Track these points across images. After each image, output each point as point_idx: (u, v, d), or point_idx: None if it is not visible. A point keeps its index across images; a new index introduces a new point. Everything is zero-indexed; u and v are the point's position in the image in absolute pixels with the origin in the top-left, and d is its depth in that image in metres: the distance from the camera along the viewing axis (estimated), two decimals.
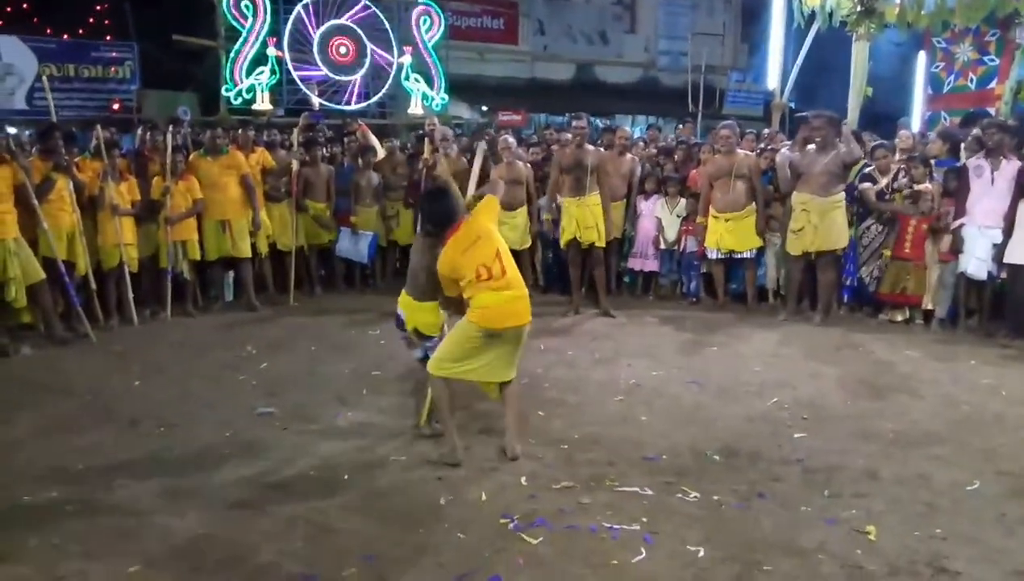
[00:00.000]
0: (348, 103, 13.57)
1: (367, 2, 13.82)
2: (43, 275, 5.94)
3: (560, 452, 3.96)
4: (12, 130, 10.66)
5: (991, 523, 3.26)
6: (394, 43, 14.08)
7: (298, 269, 7.83)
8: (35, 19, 16.48)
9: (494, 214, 4.14)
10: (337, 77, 13.58)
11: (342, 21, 13.55)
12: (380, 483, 3.63)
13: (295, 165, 7.66)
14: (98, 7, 17.53)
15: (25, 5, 17.06)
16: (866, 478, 3.69)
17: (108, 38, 16.04)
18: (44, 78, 7.49)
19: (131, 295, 6.70)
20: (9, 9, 16.65)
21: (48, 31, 15.17)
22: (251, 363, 5.63)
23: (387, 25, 14.02)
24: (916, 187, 6.63)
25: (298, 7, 13.16)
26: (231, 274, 7.61)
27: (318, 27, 13.31)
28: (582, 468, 3.76)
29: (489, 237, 3.84)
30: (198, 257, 7.11)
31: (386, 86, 14.17)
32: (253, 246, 7.38)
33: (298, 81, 13.17)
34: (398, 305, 4.18)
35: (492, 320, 3.74)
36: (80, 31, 16.39)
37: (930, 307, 6.61)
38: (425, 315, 4.12)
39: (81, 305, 6.28)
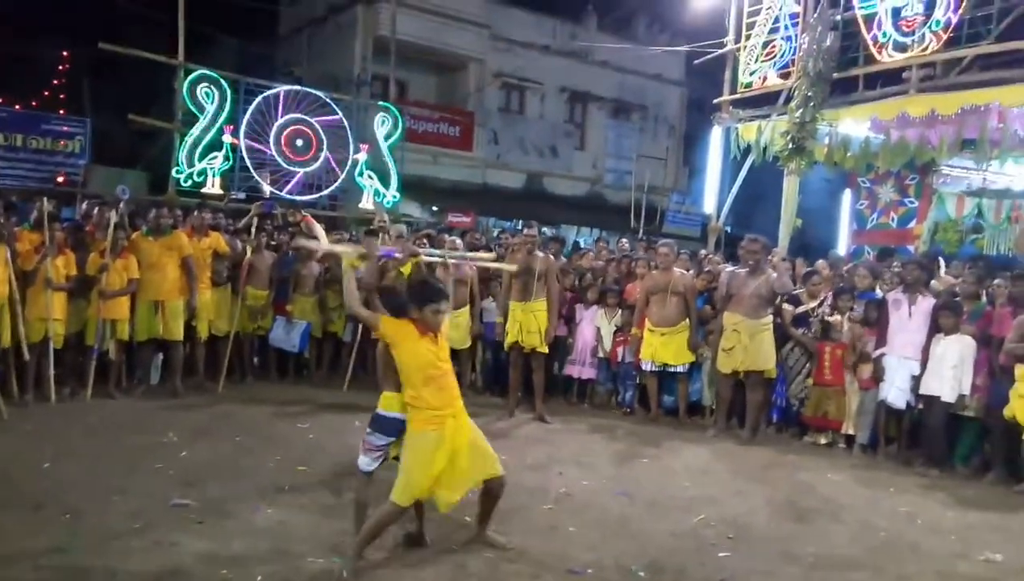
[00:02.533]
0: (298, 194, 13.68)
1: (331, 103, 14.19)
2: None
3: (485, 561, 3.87)
4: None
5: None
6: (351, 140, 14.39)
7: (231, 356, 7.68)
8: None
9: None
10: (290, 169, 13.74)
11: (306, 117, 13.84)
12: None
13: (248, 252, 7.65)
14: (56, 81, 17.59)
15: None
16: None
17: (62, 112, 16.01)
18: None
19: (52, 372, 6.45)
20: None
21: (0, 100, 15.07)
22: (171, 450, 5.42)
23: (346, 124, 14.36)
24: (827, 318, 6.97)
25: (259, 98, 13.42)
26: (159, 356, 7.41)
27: (278, 118, 13.54)
28: (506, 578, 3.68)
29: None
30: (127, 337, 6.94)
31: (339, 180, 14.37)
32: (190, 329, 7.24)
33: (251, 168, 13.27)
34: (380, 406, 3.89)
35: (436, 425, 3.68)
36: (34, 102, 16.35)
37: (851, 432, 6.82)
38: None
39: None
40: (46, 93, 17.34)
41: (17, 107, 14.87)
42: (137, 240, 7.11)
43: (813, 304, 7.21)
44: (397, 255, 5.09)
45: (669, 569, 3.95)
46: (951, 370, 6.13)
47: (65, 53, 17.96)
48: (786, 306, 7.23)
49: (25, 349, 6.20)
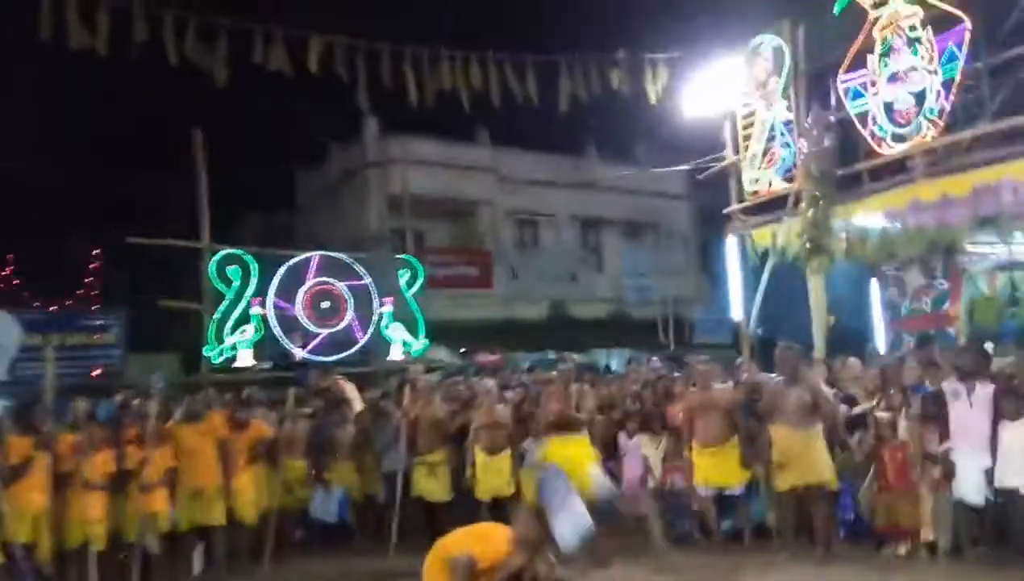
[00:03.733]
0: (327, 353, 13.78)
1: (355, 264, 14.56)
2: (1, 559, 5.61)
3: None
4: None
5: None
6: (375, 295, 14.64)
7: (276, 532, 7.47)
8: (26, 293, 17.13)
9: None
10: (315, 330, 13.92)
11: (333, 281, 14.18)
12: None
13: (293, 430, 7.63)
14: (87, 277, 18.36)
15: (16, 281, 17.81)
16: None
17: (95, 306, 16.59)
18: (49, 349, 7.58)
19: (96, 577, 6.29)
20: (2, 285, 17.37)
21: (35, 303, 15.68)
22: None
23: (369, 280, 14.66)
24: (879, 417, 6.68)
25: (285, 266, 13.79)
26: (201, 546, 7.22)
27: (305, 283, 13.87)
28: None
29: None
30: (167, 529, 6.80)
31: (364, 339, 14.50)
32: (231, 513, 7.11)
33: (279, 336, 13.46)
34: None
35: None
36: (68, 301, 17.00)
37: (929, 538, 6.37)
38: None
39: None
40: (79, 291, 18.06)
41: (54, 308, 15.44)
42: (172, 428, 7.11)
43: (870, 404, 6.95)
44: None
45: None
46: (1021, 459, 5.79)
47: (94, 251, 18.83)
48: (843, 406, 6.97)
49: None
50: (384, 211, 19.37)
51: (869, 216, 10.03)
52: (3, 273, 18.11)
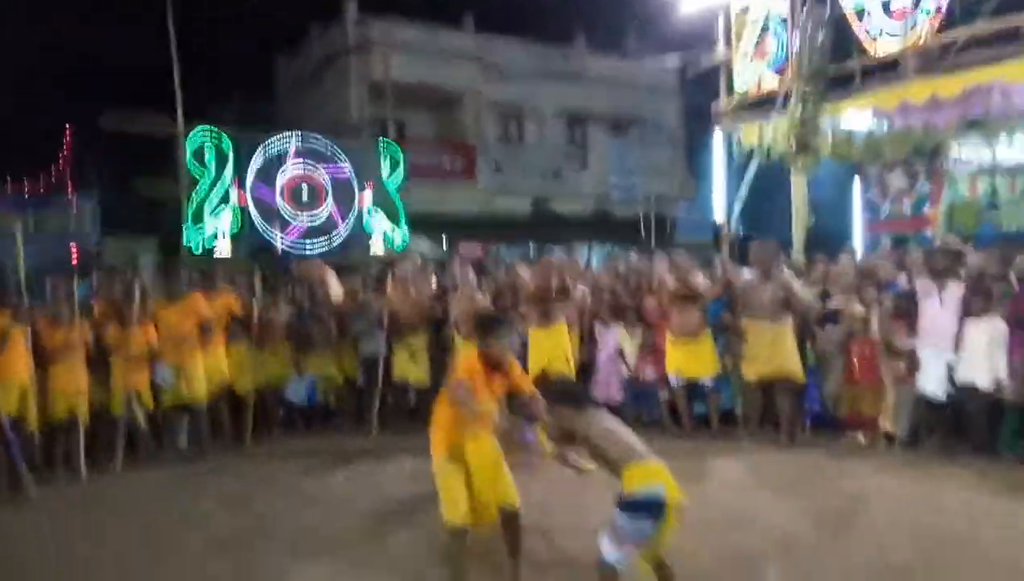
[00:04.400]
0: (302, 240, 13.76)
1: (337, 148, 14.32)
2: None
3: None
4: None
5: None
6: (355, 184, 14.48)
7: (256, 412, 7.66)
8: None
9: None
10: (295, 221, 13.84)
11: (314, 165, 13.98)
12: None
13: (256, 310, 7.65)
14: (61, 159, 17.90)
15: None
16: None
17: (71, 188, 16.27)
18: (18, 228, 7.47)
19: (82, 448, 6.45)
20: None
21: (8, 183, 15.34)
22: (204, 519, 5.38)
23: (348, 167, 14.47)
24: (851, 307, 6.84)
25: (260, 148, 13.55)
26: (185, 420, 7.38)
27: (284, 169, 13.68)
28: None
29: None
30: (151, 405, 6.94)
31: (345, 230, 14.45)
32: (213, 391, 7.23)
33: (258, 224, 13.38)
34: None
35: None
36: (42, 184, 16.64)
37: (888, 429, 6.66)
38: None
39: (25, 460, 6.01)
40: (53, 175, 17.65)
41: (26, 188, 15.12)
42: (156, 309, 7.14)
43: (841, 300, 7.10)
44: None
45: None
46: (984, 355, 5.99)
47: (68, 128, 18.30)
48: (810, 296, 7.13)
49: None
50: (365, 98, 18.88)
51: (857, 116, 9.95)
52: None
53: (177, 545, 4.87)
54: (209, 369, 7.17)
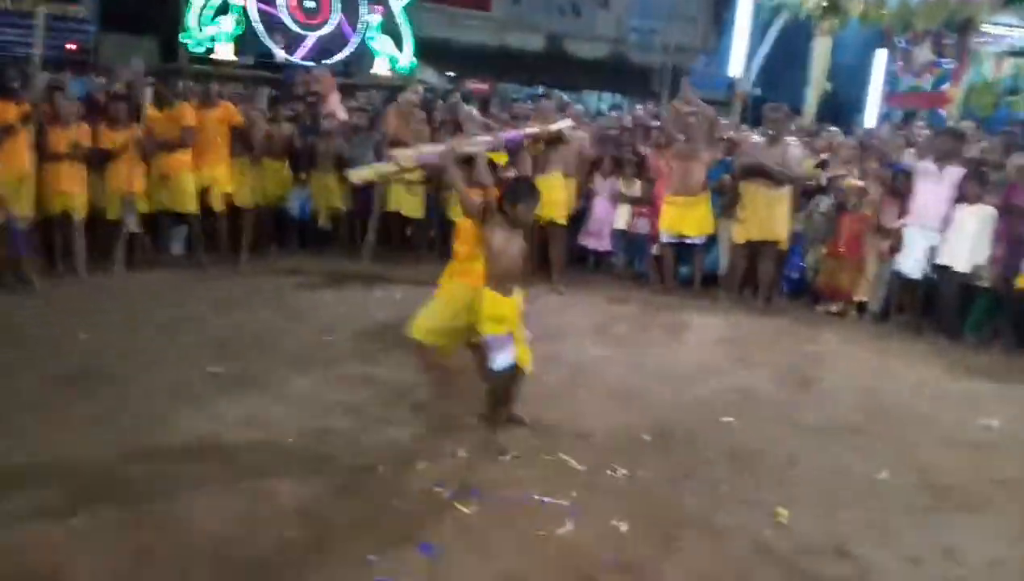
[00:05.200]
0: (309, 59, 13.35)
1: None
2: None
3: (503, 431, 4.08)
4: None
5: (896, 513, 3.50)
6: (363, 1, 13.86)
7: (253, 226, 7.79)
8: None
9: None
10: (300, 31, 13.35)
11: None
12: (322, 450, 3.73)
13: (262, 123, 7.56)
14: None
15: None
16: (787, 465, 3.91)
17: None
18: (42, 14, 7.16)
19: (82, 245, 6.63)
20: None
21: None
22: (200, 321, 5.65)
23: None
24: (852, 182, 6.87)
25: None
26: (183, 229, 7.52)
27: None
28: (519, 442, 3.90)
29: None
30: (144, 210, 7.04)
31: (351, 46, 13.97)
32: (205, 202, 7.31)
33: (261, 34, 12.92)
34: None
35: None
36: None
37: (863, 299, 6.88)
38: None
39: (28, 254, 6.19)
40: None
41: None
42: (146, 114, 7.07)
43: (842, 171, 7.10)
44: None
45: (676, 435, 4.16)
46: (968, 240, 6.10)
47: None
48: (803, 169, 7.14)
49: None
50: None
51: None
52: None
53: (178, 342, 5.14)
54: (204, 179, 7.20)
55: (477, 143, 4.74)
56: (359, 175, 5.38)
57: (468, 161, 4.32)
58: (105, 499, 3.16)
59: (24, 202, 6.18)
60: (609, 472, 3.65)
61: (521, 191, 3.86)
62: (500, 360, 3.76)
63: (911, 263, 6.44)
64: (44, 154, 6.35)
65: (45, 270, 6.44)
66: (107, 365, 4.62)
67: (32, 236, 6.34)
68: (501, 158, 5.05)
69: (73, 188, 6.50)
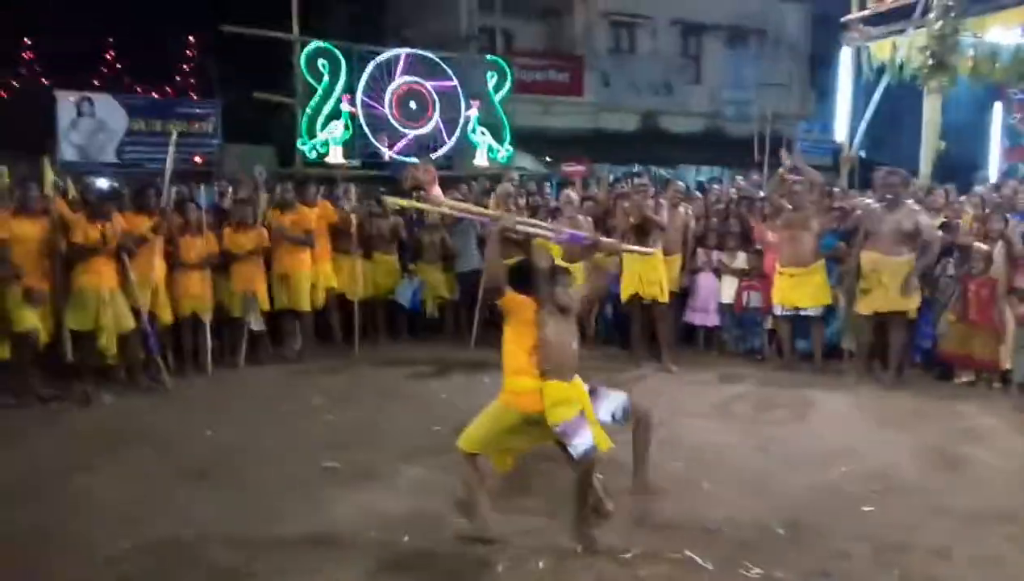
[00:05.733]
0: (408, 154, 13.94)
1: (443, 64, 14.27)
2: (133, 324, 6.28)
3: (619, 520, 3.90)
4: (102, 182, 11.27)
5: None
6: (462, 98, 14.45)
7: (363, 319, 8.04)
8: (126, 79, 17.61)
9: None
10: (404, 130, 14.00)
11: (419, 79, 14.02)
12: (439, 547, 3.66)
13: (354, 219, 7.88)
14: (185, 66, 18.65)
15: (118, 65, 18.27)
16: (938, 558, 3.55)
17: (193, 95, 16.97)
18: (174, 134, 7.83)
19: (209, 345, 6.99)
20: (104, 69, 17.88)
21: (138, 90, 16.13)
22: (317, 414, 5.79)
23: (455, 81, 14.43)
24: (975, 245, 6.44)
25: (371, 64, 13.68)
26: (298, 327, 7.82)
27: (392, 81, 13.80)
28: (642, 537, 3.70)
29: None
30: (267, 307, 7.37)
31: (453, 139, 14.53)
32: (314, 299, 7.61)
33: (369, 135, 13.63)
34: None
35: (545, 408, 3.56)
36: (168, 89, 17.44)
37: (1007, 367, 6.33)
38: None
39: (160, 355, 6.57)
40: (177, 78, 18.42)
41: (154, 94, 15.87)
42: (269, 216, 7.51)
43: (968, 233, 6.70)
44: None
45: (809, 525, 3.86)
46: None
47: (191, 38, 18.95)
48: (939, 232, 6.77)
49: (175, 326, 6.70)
50: (474, 6, 18.55)
51: (1003, 32, 9.07)
52: (104, 57, 18.60)
53: (297, 436, 5.26)
54: (316, 277, 7.53)
55: (535, 226, 4.60)
56: (394, 201, 5.63)
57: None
58: None
59: (161, 309, 6.61)
60: (741, 571, 3.40)
61: (549, 275, 3.72)
62: (580, 445, 3.42)
63: None
64: (176, 261, 6.81)
65: (175, 370, 6.79)
66: (230, 461, 4.76)
67: (164, 338, 6.73)
68: (555, 250, 4.89)
69: (202, 292, 6.92)
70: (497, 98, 14.89)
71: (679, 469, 4.65)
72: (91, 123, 14.07)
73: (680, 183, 8.73)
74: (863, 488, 4.34)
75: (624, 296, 7.27)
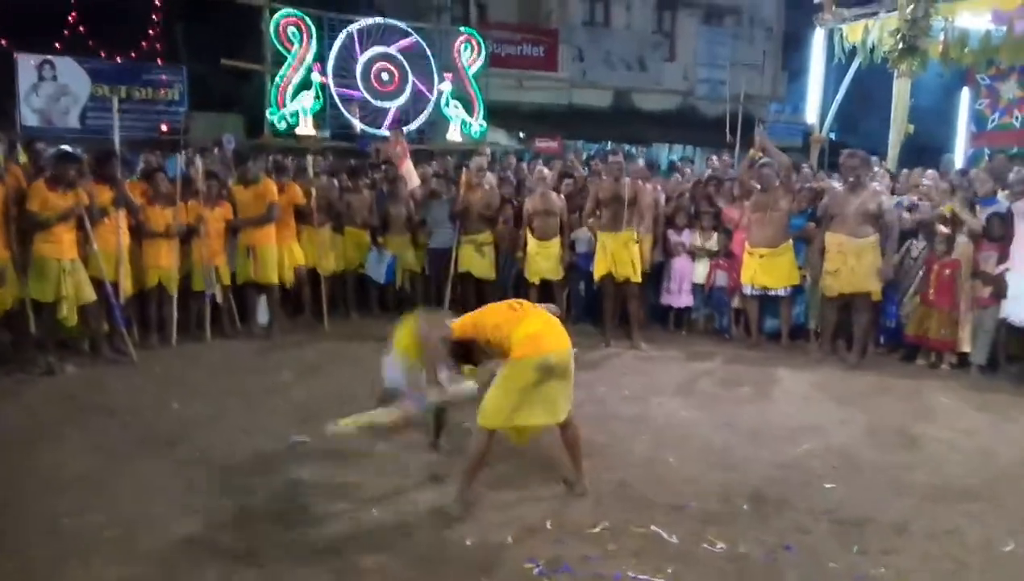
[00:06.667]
0: (388, 128, 13.79)
1: (411, 31, 14.08)
2: (94, 296, 6.14)
3: (588, 495, 3.95)
4: (67, 148, 11.00)
5: None
6: (435, 70, 14.29)
7: (334, 293, 7.97)
8: (90, 41, 17.06)
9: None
10: (378, 103, 13.83)
11: (386, 49, 13.81)
12: (408, 520, 3.67)
13: (314, 192, 7.76)
14: (151, 30, 18.13)
15: (81, 28, 17.69)
16: (896, 533, 3.64)
17: (159, 61, 16.54)
18: (115, 99, 7.61)
19: (175, 316, 6.89)
20: (66, 32, 17.30)
21: (102, 53, 15.66)
22: (285, 388, 5.74)
23: (429, 53, 14.25)
24: (936, 225, 6.57)
25: (343, 33, 13.45)
26: (264, 298, 7.73)
27: (362, 53, 13.58)
28: (609, 512, 3.75)
29: None
30: (227, 282, 7.27)
31: (426, 113, 14.38)
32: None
33: (340, 106, 13.43)
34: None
35: (547, 345, 3.69)
36: (132, 54, 16.95)
37: (965, 350, 6.48)
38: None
39: (125, 325, 6.46)
40: (143, 44, 17.91)
41: (117, 59, 15.43)
42: (232, 188, 7.38)
43: (932, 214, 6.81)
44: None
45: (773, 500, 3.94)
46: None
47: (157, 2, 18.42)
48: (905, 214, 6.87)
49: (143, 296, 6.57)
50: None
51: (973, 17, 9.18)
52: (67, 19, 17.98)
53: (264, 410, 5.22)
54: (282, 256, 7.44)
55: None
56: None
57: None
58: (195, 571, 3.17)
59: (124, 278, 6.48)
60: (706, 545, 3.46)
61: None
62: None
63: (1018, 310, 6.05)
64: (142, 232, 6.67)
65: (139, 342, 6.69)
66: (197, 435, 4.72)
67: (127, 309, 6.62)
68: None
69: (169, 263, 6.80)
70: (471, 72, 14.76)
71: (646, 444, 4.71)
72: (53, 87, 13.72)
73: (640, 160, 8.73)
74: (825, 464, 4.44)
75: (597, 275, 7.29)
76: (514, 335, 3.72)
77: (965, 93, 11.99)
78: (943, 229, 6.58)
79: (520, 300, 4.14)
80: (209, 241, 7.04)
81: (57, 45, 16.29)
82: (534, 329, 3.74)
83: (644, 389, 5.88)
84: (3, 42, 16.20)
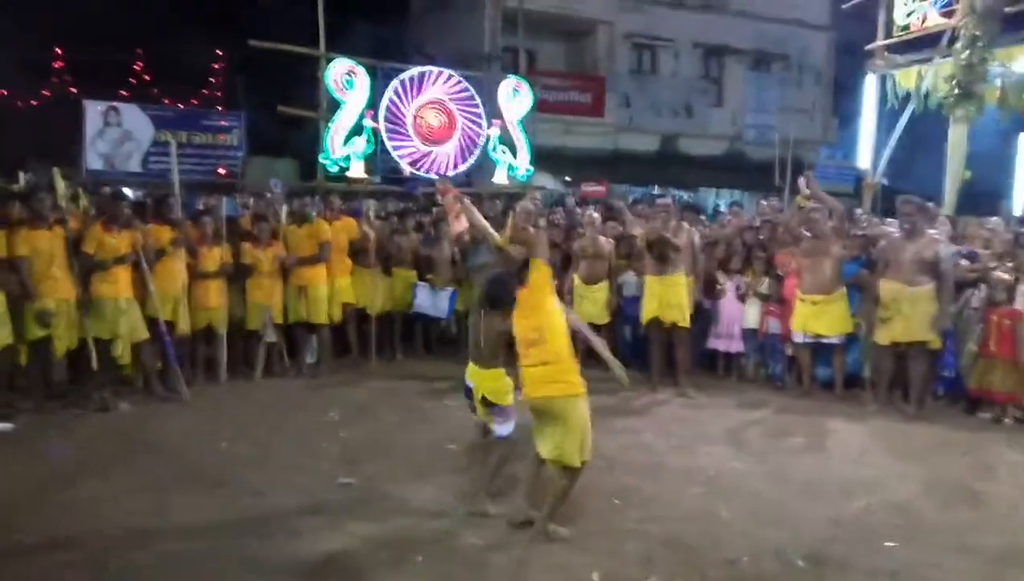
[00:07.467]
0: (437, 173, 13.98)
1: (460, 78, 14.34)
2: (147, 334, 6.30)
3: (637, 548, 3.85)
4: (128, 192, 11.42)
5: None
6: (483, 116, 14.51)
7: (380, 334, 8.03)
8: (154, 89, 17.84)
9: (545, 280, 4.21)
10: (426, 149, 14.05)
11: (435, 94, 14.08)
12: (451, 571, 3.61)
13: (372, 235, 7.89)
14: (212, 79, 18.89)
15: (146, 76, 18.53)
16: None
17: (220, 108, 17.16)
18: (173, 143, 7.94)
19: (224, 356, 7.00)
20: (132, 80, 18.14)
21: (165, 101, 16.33)
22: (333, 428, 5.78)
23: (478, 100, 14.48)
24: (998, 277, 6.35)
25: (395, 81, 13.76)
26: (314, 338, 7.82)
27: (412, 100, 13.86)
28: (659, 566, 3.65)
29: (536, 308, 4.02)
30: (280, 320, 7.38)
31: (473, 157, 14.56)
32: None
33: (391, 151, 13.69)
34: (467, 376, 4.36)
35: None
36: (194, 101, 17.66)
37: None
38: (491, 382, 4.24)
39: (179, 365, 6.58)
40: (204, 92, 18.66)
41: (180, 106, 16.05)
42: (284, 230, 7.54)
43: (991, 264, 6.60)
44: None
45: (831, 560, 3.78)
46: None
47: (219, 52, 19.20)
48: (963, 262, 6.67)
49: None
50: (497, 26, 18.68)
51: None
52: (133, 68, 18.87)
53: (312, 450, 5.24)
54: (333, 291, 7.54)
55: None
56: None
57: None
58: None
59: (179, 318, 6.64)
60: None
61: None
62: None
63: None
64: (193, 273, 6.84)
65: (190, 380, 6.80)
66: (246, 475, 4.75)
67: (180, 348, 6.75)
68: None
69: (218, 303, 6.94)
70: (517, 117, 14.92)
71: (696, 496, 4.59)
72: (117, 132, 14.27)
73: (666, 199, 8.56)
74: (884, 522, 4.26)
75: (644, 319, 7.22)
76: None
77: (1022, 138, 11.71)
78: (1004, 277, 6.37)
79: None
80: (262, 281, 7.18)
81: (123, 93, 17.05)
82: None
83: (693, 438, 5.75)
84: (73, 90, 17.03)
